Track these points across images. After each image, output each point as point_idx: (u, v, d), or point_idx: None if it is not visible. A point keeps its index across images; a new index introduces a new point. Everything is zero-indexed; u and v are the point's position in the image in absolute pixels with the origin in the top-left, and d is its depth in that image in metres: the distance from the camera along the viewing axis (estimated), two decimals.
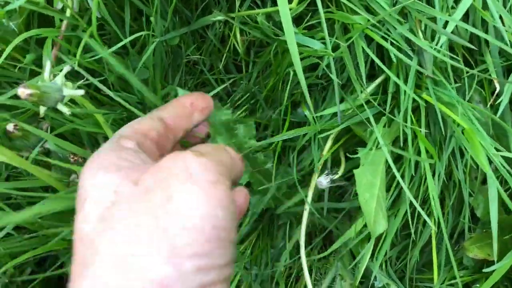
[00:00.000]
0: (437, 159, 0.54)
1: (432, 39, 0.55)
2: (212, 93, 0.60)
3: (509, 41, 0.54)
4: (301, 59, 0.51)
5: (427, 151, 0.56)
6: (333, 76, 0.52)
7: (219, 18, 0.58)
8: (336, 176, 0.58)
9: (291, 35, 0.42)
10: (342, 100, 0.57)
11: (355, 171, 0.53)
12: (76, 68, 0.46)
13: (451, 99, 0.54)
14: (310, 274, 0.62)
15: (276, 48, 0.56)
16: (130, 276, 0.27)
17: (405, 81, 0.56)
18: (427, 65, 0.55)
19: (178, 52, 0.60)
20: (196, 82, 0.66)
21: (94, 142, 0.57)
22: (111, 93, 0.47)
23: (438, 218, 0.56)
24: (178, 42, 0.57)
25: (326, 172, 0.58)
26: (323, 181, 0.57)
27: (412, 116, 0.54)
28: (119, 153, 0.35)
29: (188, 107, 0.46)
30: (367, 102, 0.55)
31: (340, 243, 0.57)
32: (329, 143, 0.57)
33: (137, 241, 0.28)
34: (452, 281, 0.56)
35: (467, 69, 0.56)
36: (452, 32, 0.59)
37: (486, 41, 0.59)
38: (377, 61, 0.53)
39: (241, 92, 0.63)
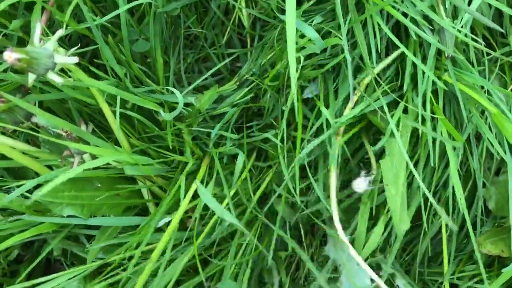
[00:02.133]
0: (462, 140, 0.51)
1: (454, 17, 0.51)
2: (212, 71, 0.56)
3: None
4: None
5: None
6: (347, 55, 0.48)
7: None
8: (373, 176, 0.53)
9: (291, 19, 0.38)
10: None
11: (381, 161, 0.49)
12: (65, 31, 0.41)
13: (474, 81, 0.50)
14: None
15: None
16: None
17: (423, 63, 0.52)
18: (448, 44, 0.51)
19: (178, 23, 0.56)
20: (197, 57, 0.62)
21: (87, 117, 0.53)
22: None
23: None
24: (178, 13, 0.52)
25: (362, 173, 0.53)
26: (362, 183, 0.51)
27: (433, 99, 0.50)
28: None
29: None
30: (380, 87, 0.51)
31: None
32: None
33: None
34: (461, 274, 0.53)
35: (489, 51, 0.52)
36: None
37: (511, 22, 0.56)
38: (392, 37, 0.48)
39: (245, 70, 0.58)
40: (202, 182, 0.49)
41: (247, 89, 0.58)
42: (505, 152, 0.49)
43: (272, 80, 0.55)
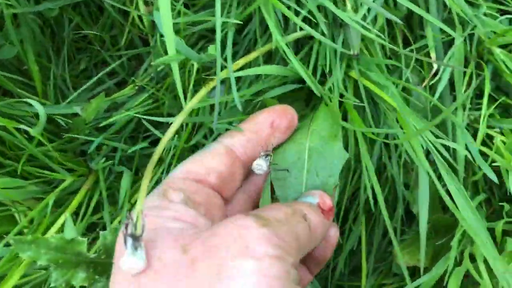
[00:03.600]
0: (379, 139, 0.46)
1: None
2: (104, 72, 0.51)
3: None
4: None
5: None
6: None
7: None
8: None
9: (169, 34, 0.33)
10: None
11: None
12: None
13: (378, 78, 0.46)
14: None
15: None
16: None
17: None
18: (353, 42, 0.46)
19: (63, 25, 0.51)
20: (95, 61, 0.56)
21: None
22: None
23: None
24: (56, 14, 0.47)
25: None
26: (263, 164, 0.46)
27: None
28: (166, 212, 0.30)
29: (267, 129, 0.37)
30: None
31: None
32: None
33: None
34: None
35: (402, 51, 0.48)
36: (387, 4, 0.51)
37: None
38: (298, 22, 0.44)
39: (147, 72, 0.53)
40: (82, 205, 0.43)
41: (146, 94, 0.53)
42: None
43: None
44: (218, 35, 0.37)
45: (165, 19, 0.34)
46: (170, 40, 0.34)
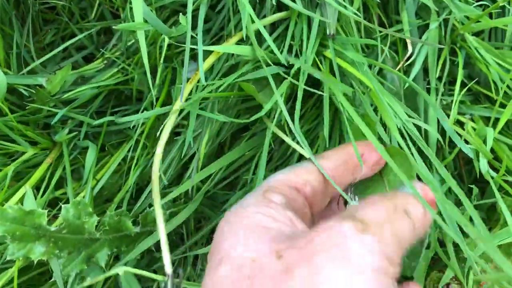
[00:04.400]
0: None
1: None
2: (71, 42, 0.49)
3: None
4: None
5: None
6: None
7: None
8: None
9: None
10: None
11: None
12: None
13: (359, 57, 0.45)
14: None
15: None
16: None
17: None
18: (330, 21, 0.46)
19: None
20: (63, 34, 0.54)
21: None
22: None
23: None
24: None
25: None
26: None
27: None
28: (265, 210, 0.29)
29: (355, 160, 0.36)
30: None
31: None
32: None
33: None
34: None
35: (378, 27, 0.48)
36: None
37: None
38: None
39: (118, 47, 0.51)
40: (44, 179, 0.42)
41: (116, 69, 0.51)
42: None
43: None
44: (190, 7, 0.36)
45: None
46: (137, 7, 0.32)
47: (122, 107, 0.51)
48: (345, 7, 0.43)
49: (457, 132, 0.45)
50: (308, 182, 0.33)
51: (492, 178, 0.44)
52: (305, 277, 0.24)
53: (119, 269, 0.34)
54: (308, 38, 0.45)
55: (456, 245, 0.45)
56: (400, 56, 0.54)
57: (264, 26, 0.41)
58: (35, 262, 0.34)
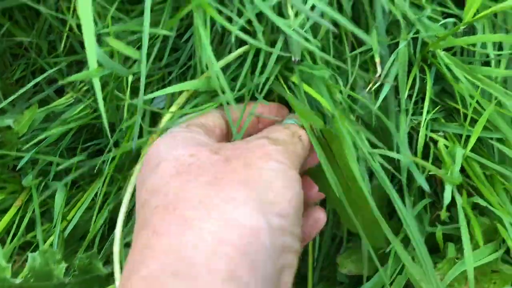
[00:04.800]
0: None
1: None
2: (39, 79, 0.48)
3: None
4: None
5: None
6: None
7: None
8: None
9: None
10: None
11: None
12: None
13: (322, 87, 0.45)
14: None
15: None
16: (225, 223, 0.26)
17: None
18: (294, 49, 0.45)
19: None
20: (33, 69, 0.54)
21: None
22: None
23: None
24: None
25: None
26: None
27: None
28: (192, 134, 0.35)
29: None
30: None
31: None
32: None
33: (226, 192, 0.28)
34: None
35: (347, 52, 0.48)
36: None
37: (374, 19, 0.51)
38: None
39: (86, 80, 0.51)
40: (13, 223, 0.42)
41: (83, 105, 0.50)
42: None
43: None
44: (144, 49, 0.36)
45: (86, 29, 0.32)
46: (91, 53, 0.32)
47: (94, 141, 0.51)
48: (306, 39, 0.42)
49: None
50: (217, 125, 0.38)
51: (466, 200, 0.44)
52: (242, 165, 0.30)
53: None
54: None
55: None
56: (371, 74, 0.54)
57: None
58: None
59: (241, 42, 0.48)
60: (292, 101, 0.42)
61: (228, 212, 0.27)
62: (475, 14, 0.42)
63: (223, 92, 0.38)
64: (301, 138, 0.38)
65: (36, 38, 0.52)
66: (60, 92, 0.55)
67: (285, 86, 0.47)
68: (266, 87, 0.44)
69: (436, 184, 0.53)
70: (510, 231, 0.43)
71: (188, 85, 0.39)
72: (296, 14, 0.42)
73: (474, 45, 0.52)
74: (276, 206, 0.29)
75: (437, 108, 0.51)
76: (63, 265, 0.38)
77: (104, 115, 0.32)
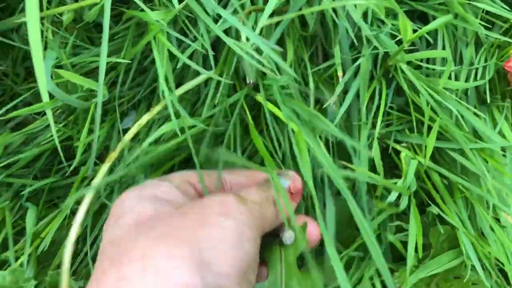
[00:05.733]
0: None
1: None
2: (11, 104, 0.51)
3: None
4: None
5: None
6: None
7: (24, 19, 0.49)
8: None
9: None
10: None
11: None
12: None
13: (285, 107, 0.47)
14: None
15: None
16: (160, 280, 0.28)
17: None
18: (248, 71, 0.47)
19: None
20: (11, 93, 0.57)
21: None
22: None
23: None
24: None
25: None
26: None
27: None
28: (161, 188, 0.36)
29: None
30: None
31: None
32: None
33: (169, 248, 0.29)
34: None
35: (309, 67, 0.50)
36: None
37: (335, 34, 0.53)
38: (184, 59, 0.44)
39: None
40: None
41: (60, 125, 0.53)
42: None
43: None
44: (101, 79, 0.37)
45: (36, 62, 0.33)
46: (42, 86, 0.34)
47: (70, 161, 0.53)
48: (259, 62, 0.44)
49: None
50: (191, 183, 0.39)
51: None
52: (196, 221, 0.32)
53: None
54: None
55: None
56: (335, 86, 0.55)
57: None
58: None
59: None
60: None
61: (165, 268, 0.28)
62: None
63: (178, 117, 0.41)
64: (275, 203, 0.37)
65: (11, 67, 0.54)
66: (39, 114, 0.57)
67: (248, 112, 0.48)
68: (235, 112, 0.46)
69: None
70: (463, 238, 0.45)
71: (144, 119, 0.41)
72: (247, 39, 0.44)
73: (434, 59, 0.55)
74: (216, 265, 0.30)
75: (401, 120, 0.53)
76: (33, 282, 0.40)
77: (57, 141, 0.34)
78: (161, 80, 0.39)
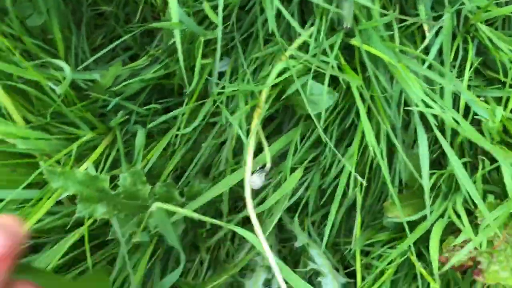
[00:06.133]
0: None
1: None
2: (118, 43, 0.55)
3: None
4: None
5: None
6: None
7: None
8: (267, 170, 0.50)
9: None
10: None
11: None
12: None
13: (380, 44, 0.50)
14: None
15: None
16: None
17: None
18: (346, 13, 0.50)
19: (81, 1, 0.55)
20: (110, 36, 0.61)
21: None
22: None
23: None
24: None
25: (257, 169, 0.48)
26: (257, 180, 0.48)
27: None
28: None
29: None
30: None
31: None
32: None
33: None
34: (371, 241, 0.53)
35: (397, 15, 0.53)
36: None
37: None
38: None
39: (159, 47, 0.58)
40: (101, 159, 0.48)
41: (159, 65, 0.57)
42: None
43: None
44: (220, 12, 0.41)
45: None
46: (174, 10, 0.38)
47: (164, 100, 0.57)
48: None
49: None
50: None
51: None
52: None
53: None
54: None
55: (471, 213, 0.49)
56: (418, 40, 0.58)
57: None
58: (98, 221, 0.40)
59: None
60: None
61: None
62: None
63: None
64: None
65: (115, 8, 0.59)
66: (133, 59, 0.61)
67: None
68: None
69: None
70: None
71: None
72: None
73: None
74: None
75: (471, 71, 0.55)
76: (148, 187, 0.44)
77: (181, 59, 0.37)
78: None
